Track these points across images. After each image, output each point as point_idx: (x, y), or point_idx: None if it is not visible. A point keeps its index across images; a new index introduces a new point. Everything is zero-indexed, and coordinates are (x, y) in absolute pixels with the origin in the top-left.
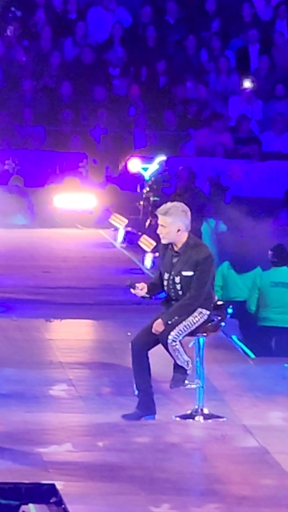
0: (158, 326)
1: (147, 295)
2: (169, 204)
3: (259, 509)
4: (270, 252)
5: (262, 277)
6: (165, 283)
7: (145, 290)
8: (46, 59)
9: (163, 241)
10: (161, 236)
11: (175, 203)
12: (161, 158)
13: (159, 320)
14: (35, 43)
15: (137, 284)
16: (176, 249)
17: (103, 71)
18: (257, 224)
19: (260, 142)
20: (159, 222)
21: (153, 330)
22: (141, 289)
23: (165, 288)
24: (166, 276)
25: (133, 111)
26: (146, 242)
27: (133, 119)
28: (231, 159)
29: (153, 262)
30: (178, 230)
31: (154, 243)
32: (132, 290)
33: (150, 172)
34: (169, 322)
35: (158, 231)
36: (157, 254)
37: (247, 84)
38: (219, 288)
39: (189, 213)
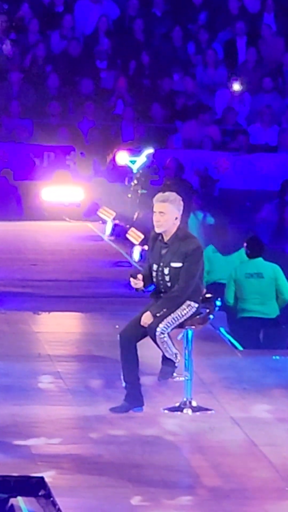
0: (146, 318)
1: (141, 288)
2: (166, 192)
3: (247, 502)
4: (244, 245)
5: (237, 270)
6: (154, 274)
7: (142, 283)
8: (33, 52)
9: (158, 230)
10: (158, 224)
11: (171, 192)
12: (149, 151)
13: (148, 313)
14: (22, 36)
15: (138, 275)
16: (165, 240)
17: (90, 64)
18: (244, 216)
19: (248, 135)
20: (158, 209)
21: (141, 323)
22: (141, 280)
23: (154, 279)
24: (155, 267)
25: (121, 104)
26: (134, 235)
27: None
28: (218, 152)
29: (141, 255)
30: (176, 218)
31: (142, 236)
32: (132, 280)
33: (138, 165)
34: (158, 315)
35: (155, 219)
36: (145, 247)
37: (236, 87)
38: (206, 273)
39: (182, 203)
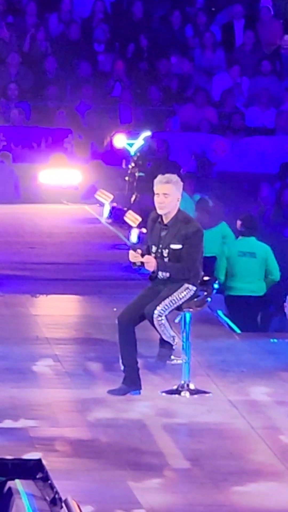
0: (151, 261)
1: (140, 264)
2: (166, 174)
3: (245, 484)
4: (238, 222)
5: (230, 247)
6: (153, 256)
7: (140, 258)
8: (31, 35)
9: (162, 211)
10: (161, 206)
11: (171, 174)
12: (146, 133)
13: (154, 259)
14: (19, 19)
15: (138, 250)
16: (165, 222)
17: (88, 47)
18: (242, 199)
19: (245, 117)
20: (161, 191)
21: (145, 262)
22: (140, 255)
23: None
24: (154, 249)
25: (118, 87)
26: (132, 218)
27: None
28: (216, 134)
29: (139, 238)
30: (177, 200)
31: (140, 219)
32: (131, 253)
33: (136, 147)
34: (160, 273)
35: (158, 200)
36: (143, 229)
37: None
38: None
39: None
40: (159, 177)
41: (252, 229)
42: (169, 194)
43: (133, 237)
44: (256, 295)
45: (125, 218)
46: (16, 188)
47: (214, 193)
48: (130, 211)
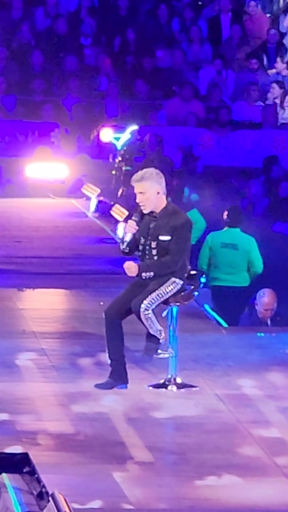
0: (131, 266)
1: (127, 249)
2: (140, 171)
3: (232, 478)
4: (225, 213)
5: (213, 237)
6: (141, 248)
7: (134, 230)
8: (17, 29)
9: (145, 210)
10: (141, 205)
11: (146, 169)
12: (133, 127)
13: (136, 264)
14: (5, 13)
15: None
16: (154, 214)
17: (74, 41)
18: (229, 193)
19: (232, 111)
20: (136, 190)
21: (126, 268)
22: (134, 228)
23: (140, 253)
24: (142, 241)
25: (105, 81)
26: (119, 212)
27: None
28: (202, 128)
29: (125, 232)
30: (158, 193)
31: (126, 212)
32: (130, 223)
33: (122, 141)
34: (143, 274)
35: (137, 200)
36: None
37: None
38: None
39: (162, 176)
40: (134, 175)
41: (238, 220)
42: (144, 192)
43: (120, 231)
44: (240, 285)
45: (112, 212)
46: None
47: (200, 188)
48: (117, 205)
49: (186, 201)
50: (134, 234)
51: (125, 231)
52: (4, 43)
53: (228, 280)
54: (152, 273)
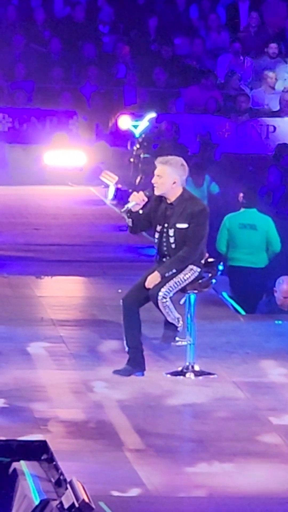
0: (154, 278)
1: (130, 220)
2: (169, 156)
3: (250, 466)
4: (240, 194)
5: (231, 219)
6: (157, 235)
7: (142, 203)
8: (36, 17)
9: (156, 192)
10: (155, 185)
11: (175, 156)
12: (151, 115)
13: (156, 273)
14: (25, 1)
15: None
16: (169, 201)
17: (92, 29)
18: (247, 180)
19: (250, 99)
20: (156, 172)
21: (148, 283)
22: (142, 200)
23: (156, 241)
24: (158, 228)
25: (123, 68)
26: (108, 177)
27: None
28: (220, 116)
29: (115, 195)
30: (174, 183)
31: (116, 177)
32: (138, 194)
33: (141, 129)
34: (166, 275)
35: (153, 180)
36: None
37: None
38: None
39: (187, 169)
40: (158, 158)
41: (254, 201)
42: (161, 176)
43: (110, 193)
44: (257, 266)
45: (101, 177)
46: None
47: (218, 175)
48: (106, 171)
49: (207, 190)
50: (141, 211)
51: (129, 199)
52: (22, 31)
53: (247, 261)
54: (174, 270)
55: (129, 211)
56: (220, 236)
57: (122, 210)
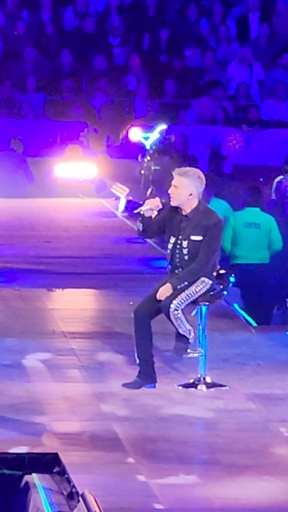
0: (166, 290)
1: (141, 224)
2: (188, 167)
3: (262, 478)
4: (246, 193)
5: (236, 217)
6: (170, 247)
7: (155, 208)
8: (46, 29)
9: (172, 203)
10: (171, 196)
11: (194, 168)
12: (162, 127)
13: (168, 284)
14: (35, 13)
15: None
16: (185, 213)
17: (103, 40)
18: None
19: (260, 110)
20: (173, 183)
21: (159, 294)
22: (156, 206)
23: (169, 253)
24: (172, 240)
25: (134, 80)
26: (119, 189)
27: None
28: (231, 128)
29: (126, 207)
30: (190, 195)
31: (127, 190)
32: (155, 201)
33: (151, 141)
34: (178, 287)
35: (169, 191)
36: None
37: None
38: None
39: (204, 181)
40: (176, 169)
41: (257, 200)
42: (178, 187)
43: (121, 205)
44: (260, 262)
45: (112, 190)
46: (31, 182)
47: (228, 188)
48: (116, 183)
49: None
50: (154, 217)
51: (145, 203)
52: (33, 44)
53: (250, 258)
54: (186, 283)
55: (141, 215)
56: (225, 234)
57: (135, 211)
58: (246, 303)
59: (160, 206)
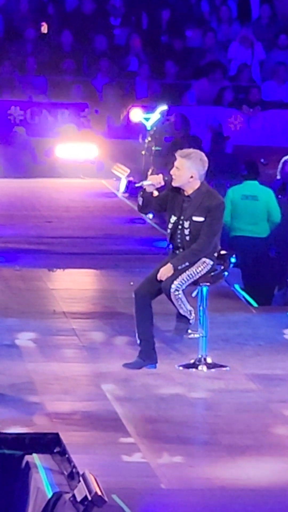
0: (167, 270)
1: (141, 199)
2: (191, 149)
3: (263, 458)
4: (242, 167)
5: (234, 191)
6: (170, 226)
7: (157, 185)
8: (47, 10)
9: (174, 183)
10: (173, 177)
11: (197, 150)
12: (163, 107)
13: (169, 265)
14: None
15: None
16: (187, 194)
17: (104, 21)
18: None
19: (261, 91)
20: (175, 164)
21: (160, 275)
22: (158, 182)
23: (169, 232)
24: (173, 219)
25: (135, 61)
26: (120, 169)
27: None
28: (232, 108)
29: (127, 187)
30: (191, 177)
31: (128, 170)
32: (156, 176)
33: (152, 121)
34: (179, 267)
35: (171, 172)
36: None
37: None
38: None
39: (206, 164)
40: (179, 150)
41: (255, 173)
42: (180, 168)
43: (122, 186)
44: (259, 236)
45: (113, 170)
46: (33, 162)
47: (230, 167)
48: (117, 164)
49: None
50: (156, 193)
51: (148, 178)
52: (34, 25)
53: (249, 230)
54: (187, 263)
55: (142, 190)
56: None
57: (137, 184)
58: (247, 284)
59: (162, 183)
